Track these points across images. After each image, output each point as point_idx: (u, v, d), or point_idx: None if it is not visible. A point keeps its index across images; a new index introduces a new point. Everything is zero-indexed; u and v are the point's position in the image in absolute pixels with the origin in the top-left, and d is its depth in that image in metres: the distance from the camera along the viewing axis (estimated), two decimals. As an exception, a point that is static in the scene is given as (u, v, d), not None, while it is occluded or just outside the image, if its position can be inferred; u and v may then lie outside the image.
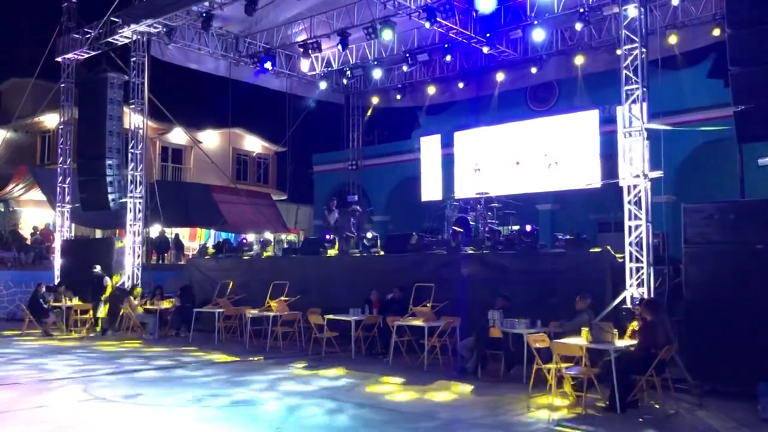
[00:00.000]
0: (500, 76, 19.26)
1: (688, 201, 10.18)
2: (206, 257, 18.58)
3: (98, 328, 16.24)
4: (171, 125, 28.26)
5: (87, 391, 9.27)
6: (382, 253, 14.93)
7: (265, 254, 17.38)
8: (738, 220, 9.41)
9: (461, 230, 14.67)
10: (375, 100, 22.67)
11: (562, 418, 7.90)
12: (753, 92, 9.71)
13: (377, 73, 19.96)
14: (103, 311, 16.38)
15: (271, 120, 27.92)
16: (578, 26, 15.75)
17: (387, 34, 16.17)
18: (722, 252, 9.35)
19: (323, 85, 21.38)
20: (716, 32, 14.95)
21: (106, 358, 12.44)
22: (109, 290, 16.80)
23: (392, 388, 9.64)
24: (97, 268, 17.15)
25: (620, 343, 8.54)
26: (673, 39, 15.75)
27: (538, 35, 16.33)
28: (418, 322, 11.47)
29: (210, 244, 25.24)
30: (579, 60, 17.58)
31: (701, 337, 9.33)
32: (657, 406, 8.29)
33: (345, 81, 21.08)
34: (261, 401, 8.74)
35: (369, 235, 15.88)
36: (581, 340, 8.64)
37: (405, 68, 19.54)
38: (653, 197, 11.32)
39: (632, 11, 11.60)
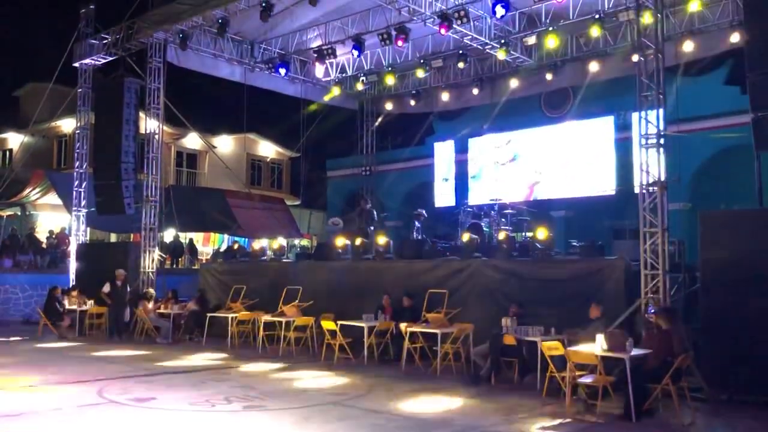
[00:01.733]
0: (514, 82, 19.19)
1: (705, 209, 10.10)
2: (218, 261, 18.63)
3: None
4: (186, 130, 28.44)
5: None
6: (395, 258, 14.92)
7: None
8: (755, 228, 9.32)
9: (475, 236, 14.61)
10: (389, 106, 22.66)
11: (576, 426, 7.84)
12: (771, 99, 9.63)
13: (391, 79, 19.98)
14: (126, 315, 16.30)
15: (285, 125, 28.02)
16: (594, 32, 15.66)
17: (401, 41, 16.20)
18: (739, 260, 9.26)
19: (337, 90, 21.42)
20: (734, 38, 14.81)
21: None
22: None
23: (406, 395, 9.61)
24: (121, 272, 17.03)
25: (635, 352, 8.45)
26: (689, 45, 15.63)
27: (553, 41, 16.27)
28: (431, 329, 11.44)
29: (224, 248, 25.34)
30: (594, 66, 17.49)
31: (718, 345, 9.24)
32: (673, 416, 8.20)
33: (359, 87, 21.10)
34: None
35: (381, 240, 15.89)
36: (596, 348, 8.57)
37: (419, 74, 19.53)
38: (669, 204, 11.23)
39: (649, 17, 11.53)
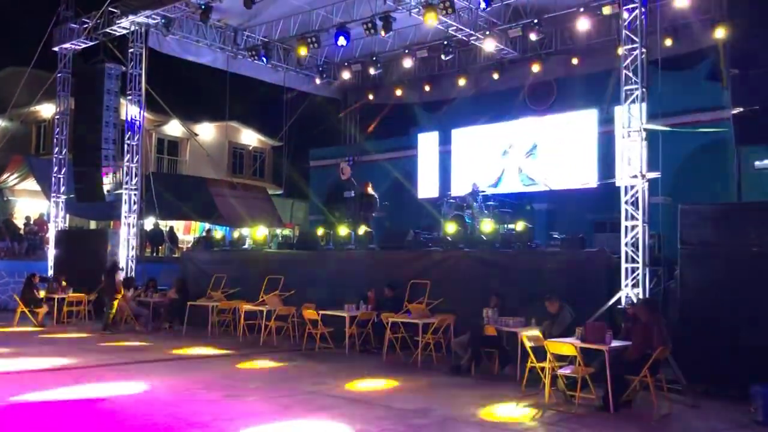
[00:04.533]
0: (499, 74, 19.21)
1: (685, 202, 10.18)
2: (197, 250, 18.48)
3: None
4: (167, 117, 28.16)
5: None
6: (378, 249, 14.90)
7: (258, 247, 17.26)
8: (734, 222, 9.42)
9: (458, 228, 14.62)
10: (372, 95, 22.61)
11: (555, 417, 7.90)
12: (752, 95, 9.73)
13: (375, 69, 19.90)
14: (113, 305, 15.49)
15: (268, 114, 27.86)
16: (578, 26, 15.71)
17: (386, 30, 16.14)
18: (718, 254, 9.36)
19: (320, 80, 21.31)
20: (716, 34, 14.91)
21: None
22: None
23: (386, 384, 9.62)
24: (114, 260, 16.60)
25: (615, 343, 8.52)
26: (672, 40, 15.73)
27: (537, 34, 16.29)
28: (412, 319, 11.45)
29: (203, 235, 25.19)
30: (578, 59, 17.55)
31: (695, 338, 9.34)
32: (650, 407, 8.28)
33: (343, 76, 21.00)
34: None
35: (362, 230, 15.80)
36: (575, 340, 8.63)
37: (404, 64, 19.47)
38: (650, 198, 11.31)
39: (633, 12, 11.56)
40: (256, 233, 18.27)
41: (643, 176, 11.13)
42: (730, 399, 8.60)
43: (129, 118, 18.13)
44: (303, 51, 18.24)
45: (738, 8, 10.28)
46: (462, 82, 19.99)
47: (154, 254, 24.12)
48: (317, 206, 29.01)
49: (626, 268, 10.93)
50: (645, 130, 11.24)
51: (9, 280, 19.63)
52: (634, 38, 11.42)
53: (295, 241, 17.23)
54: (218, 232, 24.45)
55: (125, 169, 18.04)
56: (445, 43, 17.94)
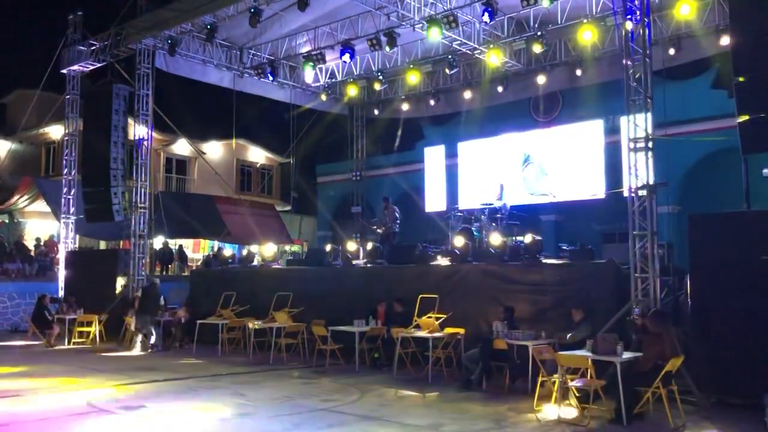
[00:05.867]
0: (504, 87, 19.24)
1: (693, 211, 10.15)
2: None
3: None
4: (175, 136, 28.33)
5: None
6: (386, 263, 14.90)
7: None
8: (743, 230, 9.37)
9: (467, 241, 14.60)
10: (379, 111, 22.70)
11: (567, 430, 7.84)
12: (757, 103, 9.68)
13: (380, 84, 20.00)
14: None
15: (275, 131, 27.99)
16: (582, 37, 15.73)
17: (390, 46, 16.22)
18: (728, 262, 9.29)
19: (326, 96, 21.44)
20: (721, 42, 14.91)
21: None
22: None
23: (397, 400, 9.58)
24: (156, 281, 16.47)
25: (626, 355, 8.47)
26: (677, 49, 15.74)
27: (542, 46, 16.32)
28: (422, 334, 11.42)
29: (213, 253, 25.25)
30: (582, 70, 17.56)
31: (707, 348, 9.27)
32: (664, 419, 8.21)
33: (349, 92, 21.09)
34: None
35: (369, 246, 15.78)
36: (587, 352, 8.59)
37: (410, 79, 19.54)
38: (658, 207, 11.27)
39: (637, 23, 11.58)
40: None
41: (651, 186, 11.09)
42: (744, 409, 8.51)
43: (137, 138, 18.27)
44: (308, 68, 18.38)
45: (740, 15, 10.25)
46: (467, 95, 20.02)
47: (164, 273, 24.19)
48: (325, 222, 29.09)
49: (636, 279, 10.88)
50: (651, 139, 11.22)
51: (20, 302, 19.74)
52: (638, 49, 11.44)
53: (303, 257, 17.23)
54: (228, 250, 24.53)
55: (134, 189, 18.13)
56: (450, 57, 18.00)
